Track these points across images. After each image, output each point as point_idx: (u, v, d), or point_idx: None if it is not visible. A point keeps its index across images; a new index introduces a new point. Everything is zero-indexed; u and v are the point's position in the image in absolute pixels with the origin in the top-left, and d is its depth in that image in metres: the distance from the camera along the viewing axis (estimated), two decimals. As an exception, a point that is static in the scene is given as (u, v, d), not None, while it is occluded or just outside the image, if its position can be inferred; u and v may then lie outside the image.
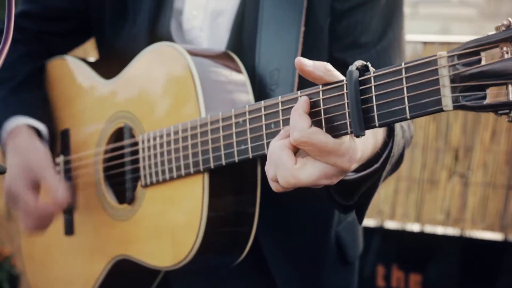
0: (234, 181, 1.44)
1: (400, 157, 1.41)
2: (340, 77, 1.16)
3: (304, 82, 1.36)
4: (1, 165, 0.83)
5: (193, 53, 1.47)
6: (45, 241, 1.80)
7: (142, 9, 1.67)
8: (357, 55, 1.56)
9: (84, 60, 1.79)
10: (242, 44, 1.59)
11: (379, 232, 3.35)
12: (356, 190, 1.28)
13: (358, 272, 1.87)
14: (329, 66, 1.17)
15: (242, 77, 1.49)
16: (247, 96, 1.47)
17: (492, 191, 3.23)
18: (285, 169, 1.12)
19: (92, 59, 1.83)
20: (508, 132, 3.16)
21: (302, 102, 1.15)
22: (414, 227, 3.38)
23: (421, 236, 3.33)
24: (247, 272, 1.65)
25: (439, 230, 3.32)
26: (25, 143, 1.68)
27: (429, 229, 3.34)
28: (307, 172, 1.12)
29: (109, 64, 1.71)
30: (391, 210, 3.44)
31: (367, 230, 3.33)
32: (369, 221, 3.45)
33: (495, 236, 3.22)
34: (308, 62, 1.16)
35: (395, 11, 1.60)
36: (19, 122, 1.71)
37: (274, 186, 1.18)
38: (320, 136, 1.12)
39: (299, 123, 1.13)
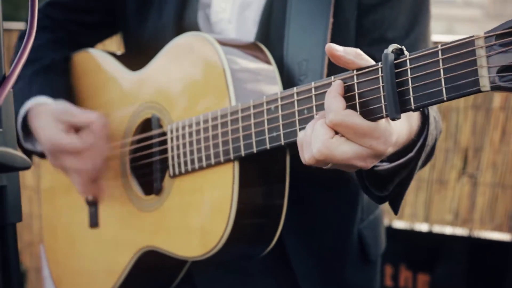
0: (264, 171, 1.43)
1: (432, 149, 1.40)
2: (371, 62, 1.17)
3: (333, 72, 1.36)
4: (26, 159, 0.82)
5: (222, 43, 1.46)
6: (69, 233, 1.79)
7: (168, 2, 1.68)
8: (383, 50, 1.54)
9: (110, 53, 1.79)
10: (269, 36, 1.59)
11: (388, 231, 3.33)
12: (390, 180, 1.28)
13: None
14: (359, 50, 1.17)
15: (271, 67, 1.49)
16: (275, 86, 1.47)
17: (501, 191, 3.21)
18: (321, 142, 1.13)
19: (118, 52, 1.83)
20: None
21: (337, 85, 1.16)
22: (423, 227, 3.35)
23: (430, 236, 3.31)
24: (269, 267, 1.65)
25: (448, 230, 3.30)
26: (48, 107, 1.67)
27: (438, 229, 3.31)
28: (341, 149, 1.13)
29: (136, 57, 1.72)
30: (399, 210, 3.44)
31: None
32: None
33: (504, 236, 3.20)
34: (339, 47, 1.15)
35: (422, 8, 1.60)
36: (41, 101, 1.70)
37: (310, 162, 1.18)
38: (355, 118, 1.13)
39: (334, 104, 1.14)
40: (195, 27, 1.65)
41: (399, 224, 3.40)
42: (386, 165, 1.26)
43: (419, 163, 1.27)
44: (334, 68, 1.38)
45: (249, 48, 1.52)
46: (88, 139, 1.60)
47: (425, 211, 3.36)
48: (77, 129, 1.62)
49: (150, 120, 1.61)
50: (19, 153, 0.79)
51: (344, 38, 1.57)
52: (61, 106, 1.65)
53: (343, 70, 1.24)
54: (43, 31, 1.87)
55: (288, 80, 1.52)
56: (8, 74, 0.83)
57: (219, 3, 1.66)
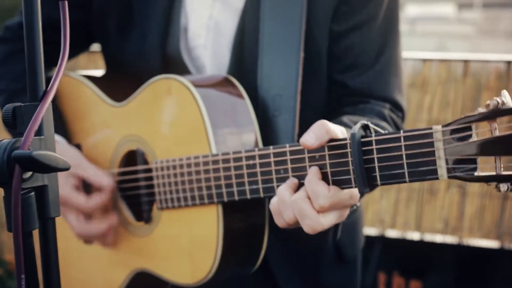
0: (246, 208, 1.50)
1: None
2: (338, 131, 1.24)
3: (305, 109, 1.47)
4: (66, 161, 0.94)
5: (198, 85, 1.50)
6: (65, 247, 1.81)
7: (151, 24, 1.68)
8: (356, 76, 1.59)
9: (90, 77, 1.80)
10: (243, 62, 1.61)
11: (381, 240, 3.39)
12: None
13: (361, 277, 1.90)
14: (326, 125, 1.23)
15: (245, 103, 1.53)
16: (251, 122, 1.51)
17: (489, 201, 3.27)
18: (311, 219, 1.25)
19: (99, 73, 1.84)
20: None
21: (315, 171, 1.25)
22: (414, 236, 3.41)
23: (421, 244, 3.37)
24: (253, 274, 1.68)
25: (438, 238, 3.36)
26: (60, 151, 1.67)
27: (429, 237, 3.37)
28: (329, 219, 1.26)
29: (118, 81, 1.73)
30: (392, 220, 3.48)
31: (369, 238, 3.30)
32: (370, 230, 3.49)
33: (492, 244, 3.25)
34: (312, 141, 1.23)
35: (391, 31, 1.63)
36: (56, 139, 1.71)
37: (286, 226, 1.32)
38: (340, 194, 1.24)
39: (320, 190, 1.24)
40: (177, 53, 1.67)
41: (392, 233, 3.46)
42: None
43: None
44: (307, 103, 1.49)
45: (222, 86, 1.55)
46: (95, 200, 1.62)
47: (416, 221, 3.41)
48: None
49: (134, 152, 1.63)
50: (59, 156, 0.91)
51: (316, 68, 1.60)
52: (75, 156, 1.66)
53: (314, 104, 1.35)
54: (22, 54, 1.87)
55: (263, 115, 1.55)
56: (48, 89, 0.95)
57: (194, 29, 1.67)
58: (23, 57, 1.78)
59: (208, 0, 1.65)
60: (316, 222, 1.25)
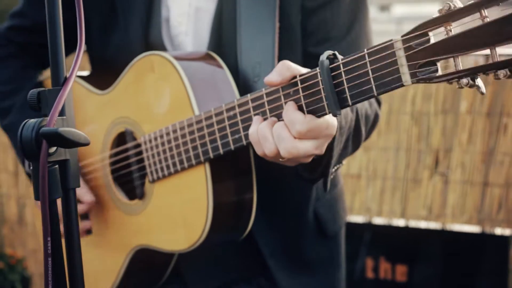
0: (232, 167, 1.56)
1: (357, 133, 1.58)
2: (300, 68, 1.32)
3: None
4: (86, 137, 1.02)
5: (179, 58, 1.59)
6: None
7: (133, 19, 1.74)
8: (329, 48, 1.60)
9: (78, 76, 1.87)
10: (222, 43, 1.68)
11: (368, 227, 3.46)
12: (318, 165, 1.47)
13: (350, 264, 1.94)
14: (287, 63, 1.31)
15: (223, 71, 1.61)
16: (229, 87, 1.59)
17: (470, 188, 3.33)
18: (288, 142, 1.29)
19: (85, 73, 1.90)
20: (483, 134, 3.27)
21: (290, 104, 1.31)
22: (400, 222, 3.47)
23: (407, 230, 3.42)
24: (238, 247, 1.75)
25: (423, 224, 3.41)
26: None
27: (414, 224, 3.43)
28: (305, 145, 1.30)
29: (103, 73, 1.80)
30: (378, 208, 3.54)
31: (357, 226, 3.44)
32: (358, 218, 3.54)
33: (474, 229, 3.32)
34: (275, 78, 1.31)
35: (360, 6, 1.71)
36: None
37: (270, 158, 1.34)
38: (317, 121, 1.29)
39: (296, 118, 1.29)
40: (160, 42, 1.74)
41: (378, 220, 3.52)
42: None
43: (337, 149, 1.44)
44: None
45: (203, 59, 1.63)
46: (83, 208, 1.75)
47: (402, 208, 3.47)
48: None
49: (124, 133, 1.70)
50: (81, 132, 1.04)
51: (291, 41, 1.67)
52: None
53: None
54: (12, 58, 1.92)
55: (243, 83, 1.63)
56: (68, 76, 1.08)
57: (175, 17, 1.73)
58: (11, 62, 1.88)
59: None
60: (291, 145, 1.28)
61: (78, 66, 1.06)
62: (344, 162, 1.69)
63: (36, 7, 1.87)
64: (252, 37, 1.63)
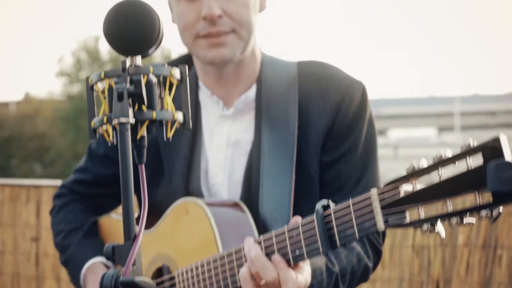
0: None
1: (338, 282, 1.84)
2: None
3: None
4: (155, 285, 1.23)
5: (210, 204, 1.87)
6: None
7: (176, 171, 2.01)
8: (342, 196, 1.87)
9: None
10: (251, 192, 1.95)
11: None
12: None
13: None
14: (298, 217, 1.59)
15: (247, 217, 1.88)
16: (251, 230, 1.86)
17: None
18: (293, 282, 1.56)
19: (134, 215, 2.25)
20: (479, 265, 3.44)
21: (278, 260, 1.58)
22: None
23: None
24: None
25: None
26: (102, 268, 2.05)
27: None
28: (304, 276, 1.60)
29: (149, 216, 1.99)
30: None
31: None
32: None
33: None
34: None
35: (370, 156, 1.97)
36: (96, 260, 2.09)
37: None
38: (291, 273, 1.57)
39: (289, 277, 1.56)
40: (199, 190, 1.99)
41: None
42: None
43: None
44: (299, 214, 1.81)
45: (230, 205, 1.92)
46: None
47: None
48: None
49: (161, 268, 1.92)
50: (151, 281, 1.22)
51: (310, 190, 1.94)
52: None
53: (306, 214, 1.67)
54: (74, 203, 2.21)
55: (263, 226, 1.88)
56: (137, 233, 1.25)
57: (213, 169, 2.00)
58: (73, 206, 2.25)
59: (223, 146, 2.01)
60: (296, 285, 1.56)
61: (143, 225, 1.28)
62: None
63: (96, 164, 2.20)
64: (272, 188, 1.89)
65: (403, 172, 1.37)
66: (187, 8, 1.91)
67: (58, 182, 4.15)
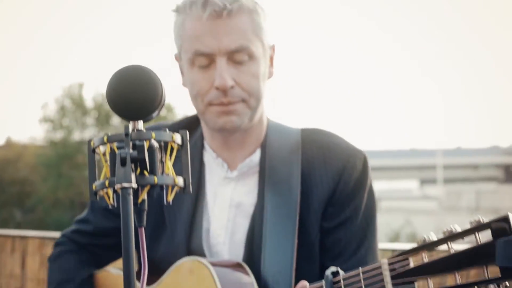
0: None
1: None
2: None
3: (298, 279, 1.86)
4: None
5: (214, 264, 1.90)
6: None
7: (178, 228, 2.05)
8: (342, 262, 1.94)
9: None
10: (253, 254, 1.99)
11: None
12: None
13: None
14: (304, 283, 1.67)
15: (250, 279, 1.92)
16: None
17: None
18: None
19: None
20: None
21: None
22: None
23: None
24: None
25: None
26: None
27: None
28: None
29: (150, 273, 2.01)
30: None
31: None
32: None
33: None
34: None
35: (370, 224, 2.04)
36: None
37: None
38: None
39: None
40: (200, 249, 2.02)
41: None
42: None
43: None
44: (299, 278, 1.88)
45: (233, 266, 1.95)
46: None
47: None
48: None
49: None
50: None
51: (310, 254, 1.98)
52: None
53: (306, 277, 1.75)
54: (70, 253, 2.23)
55: (265, 287, 1.92)
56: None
57: (215, 229, 2.04)
58: (69, 256, 2.30)
59: (226, 207, 2.05)
60: None
61: (144, 284, 1.32)
62: None
63: (98, 216, 2.24)
64: (274, 250, 1.94)
65: (410, 246, 1.47)
66: (200, 76, 1.98)
67: (44, 234, 4.22)
